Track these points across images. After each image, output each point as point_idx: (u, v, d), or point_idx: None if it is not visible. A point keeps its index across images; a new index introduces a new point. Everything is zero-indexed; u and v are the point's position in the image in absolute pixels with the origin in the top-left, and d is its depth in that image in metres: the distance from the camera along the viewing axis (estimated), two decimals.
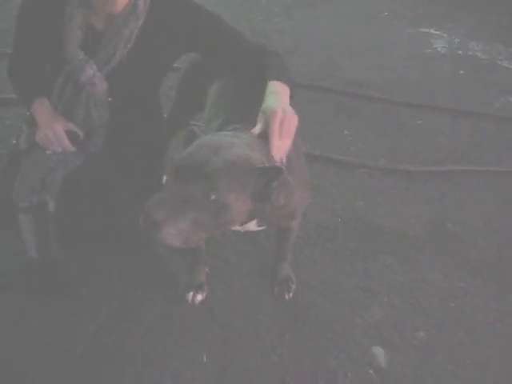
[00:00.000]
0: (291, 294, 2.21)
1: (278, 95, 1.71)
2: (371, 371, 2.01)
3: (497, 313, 2.25)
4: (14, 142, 2.19)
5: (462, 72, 3.99)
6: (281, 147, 1.62)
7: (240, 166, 1.46)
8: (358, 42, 4.23)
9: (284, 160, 1.62)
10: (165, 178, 1.77)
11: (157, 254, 2.32)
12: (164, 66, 2.07)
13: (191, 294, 2.15)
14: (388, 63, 4.00)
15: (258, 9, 4.51)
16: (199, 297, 2.15)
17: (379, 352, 2.07)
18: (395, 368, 2.03)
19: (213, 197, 1.42)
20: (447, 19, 4.68)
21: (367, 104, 3.49)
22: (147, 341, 2.02)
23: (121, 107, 2.01)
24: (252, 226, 1.75)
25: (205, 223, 1.45)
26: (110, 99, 1.98)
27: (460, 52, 4.27)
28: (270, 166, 1.50)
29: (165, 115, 2.34)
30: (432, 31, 4.51)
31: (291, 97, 1.79)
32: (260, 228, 1.83)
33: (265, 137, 1.61)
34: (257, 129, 1.63)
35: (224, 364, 1.97)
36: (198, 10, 1.96)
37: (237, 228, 1.72)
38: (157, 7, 1.92)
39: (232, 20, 4.07)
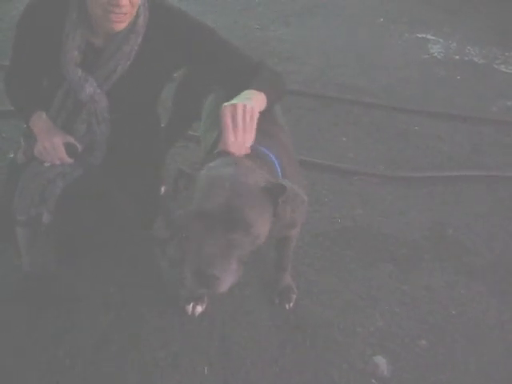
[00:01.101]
0: (292, 304, 2.20)
1: (241, 96, 1.68)
2: (374, 381, 2.00)
3: (498, 319, 2.24)
4: (12, 155, 2.18)
5: (458, 77, 3.99)
6: (240, 143, 1.59)
7: (257, 194, 1.49)
8: (355, 48, 4.23)
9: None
10: (164, 218, 1.76)
11: (156, 266, 2.31)
12: (162, 80, 2.07)
13: (191, 305, 2.13)
14: (385, 69, 4.00)
15: (255, 16, 4.51)
16: (199, 308, 2.14)
17: (381, 361, 2.06)
18: (398, 377, 2.02)
19: (250, 233, 1.47)
20: (443, 24, 4.69)
21: (365, 111, 3.49)
22: (147, 353, 2.00)
23: (121, 121, 2.01)
24: None
25: (246, 255, 1.51)
26: (110, 114, 1.98)
27: (457, 57, 4.27)
28: (273, 184, 1.51)
29: (162, 125, 2.34)
30: (428, 36, 4.51)
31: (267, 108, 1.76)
32: None
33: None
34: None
35: (225, 376, 1.96)
36: (194, 25, 1.96)
37: None
38: (155, 23, 1.92)
39: (229, 28, 4.16)
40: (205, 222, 1.45)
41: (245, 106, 1.59)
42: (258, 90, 1.74)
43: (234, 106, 1.59)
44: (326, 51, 4.13)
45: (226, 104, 1.61)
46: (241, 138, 1.58)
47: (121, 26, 1.83)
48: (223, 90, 2.01)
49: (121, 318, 2.12)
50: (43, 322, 2.08)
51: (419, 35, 4.50)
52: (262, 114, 1.68)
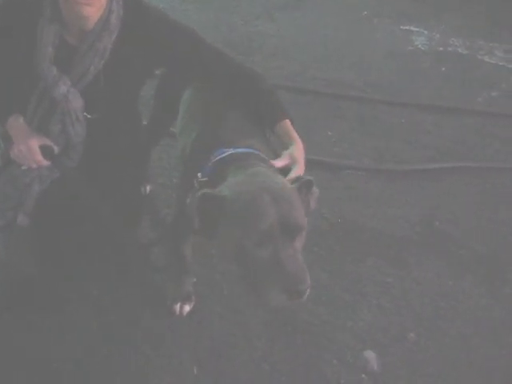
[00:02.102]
0: None
1: (294, 139, 1.84)
2: (364, 376, 1.99)
3: (488, 310, 2.25)
4: None
5: (443, 69, 3.99)
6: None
7: (296, 195, 1.54)
8: (340, 42, 4.22)
9: None
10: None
11: (142, 266, 2.29)
12: (139, 79, 2.05)
13: (179, 305, 2.12)
14: (370, 62, 4.00)
15: (239, 12, 4.49)
16: (187, 307, 2.12)
17: (371, 356, 2.05)
18: (388, 371, 2.01)
19: (303, 235, 1.53)
20: (427, 16, 4.69)
21: (350, 104, 3.48)
22: (137, 355, 1.99)
23: (98, 121, 1.98)
24: None
25: None
26: (86, 114, 1.95)
27: (441, 48, 4.27)
28: (303, 181, 1.60)
29: (144, 123, 2.32)
30: (412, 28, 4.51)
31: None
32: None
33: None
34: (278, 163, 1.72)
35: (215, 375, 1.94)
36: (170, 24, 1.95)
37: None
38: (130, 22, 1.90)
39: (213, 24, 4.15)
40: (271, 238, 1.44)
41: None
42: (285, 117, 1.89)
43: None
44: (310, 46, 4.12)
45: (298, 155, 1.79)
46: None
47: (90, 11, 1.80)
48: (205, 84, 2.00)
49: (109, 321, 2.10)
50: (30, 326, 2.05)
51: (403, 27, 4.50)
52: None
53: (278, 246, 1.44)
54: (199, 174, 1.63)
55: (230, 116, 1.86)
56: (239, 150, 1.67)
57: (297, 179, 1.62)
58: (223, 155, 1.66)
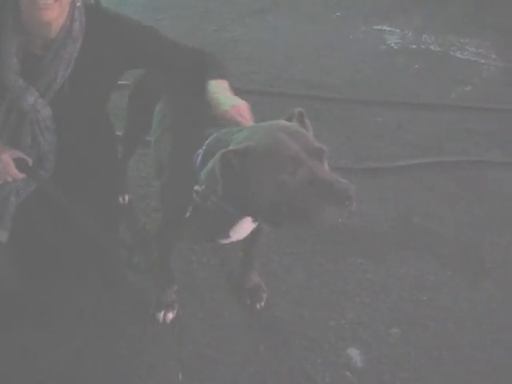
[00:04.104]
0: (263, 303, 2.20)
1: (225, 91, 1.80)
2: (348, 373, 2.01)
3: (468, 302, 2.27)
4: None
5: (416, 66, 4.02)
6: None
7: (301, 128, 1.58)
8: (313, 44, 4.24)
9: None
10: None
11: (124, 275, 2.29)
12: (106, 86, 2.06)
13: (162, 313, 2.13)
14: (344, 63, 4.02)
15: (212, 19, 4.50)
16: (170, 315, 2.13)
17: (354, 353, 2.08)
18: (372, 367, 2.03)
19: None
20: (398, 15, 4.72)
21: (326, 105, 3.49)
22: (121, 363, 2.00)
23: (68, 130, 1.99)
24: (250, 227, 1.82)
25: None
26: (54, 124, 1.96)
27: (413, 46, 4.30)
28: (298, 111, 1.63)
29: (118, 133, 2.32)
30: (385, 27, 4.54)
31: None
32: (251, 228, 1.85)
33: None
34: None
35: (200, 380, 1.96)
36: (133, 27, 1.97)
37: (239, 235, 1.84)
38: (93, 28, 1.91)
39: (186, 32, 4.15)
40: (302, 162, 1.45)
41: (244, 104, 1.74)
42: (219, 78, 1.85)
43: (237, 108, 1.72)
44: (284, 49, 4.13)
45: (227, 109, 1.72)
46: None
47: (50, 15, 1.80)
48: (174, 83, 2.02)
49: (94, 332, 2.10)
50: (15, 339, 2.05)
51: (375, 27, 4.52)
52: None
53: (312, 167, 1.45)
54: (196, 187, 1.59)
55: (201, 113, 1.87)
56: (209, 140, 1.67)
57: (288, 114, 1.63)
58: (201, 154, 1.65)
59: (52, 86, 1.91)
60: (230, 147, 1.50)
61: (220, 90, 1.80)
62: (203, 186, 1.56)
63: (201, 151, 1.65)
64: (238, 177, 1.49)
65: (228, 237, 1.80)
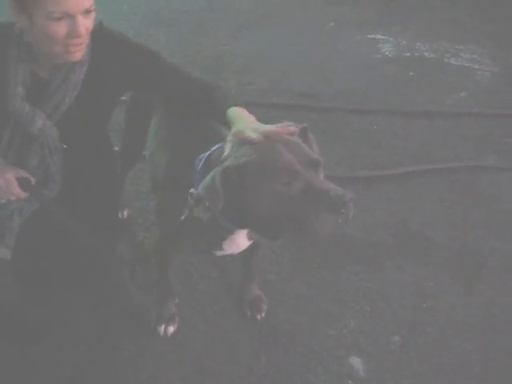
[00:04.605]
0: (263, 314, 2.21)
1: (242, 118, 1.72)
2: (350, 382, 2.02)
3: (467, 308, 2.28)
4: None
5: (411, 73, 4.04)
6: None
7: (300, 141, 1.59)
8: (307, 55, 4.26)
9: None
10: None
11: (125, 290, 2.30)
12: (110, 106, 2.07)
13: (163, 326, 2.14)
14: (338, 72, 4.04)
15: (206, 33, 4.52)
16: (171, 329, 2.14)
17: (356, 361, 2.08)
18: (374, 375, 2.05)
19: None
20: (392, 23, 4.74)
21: (321, 115, 3.51)
22: (122, 377, 2.01)
23: (73, 150, 2.00)
24: (245, 243, 1.84)
25: None
26: (62, 145, 1.97)
27: (408, 54, 4.32)
28: (301, 127, 1.65)
29: (116, 149, 2.34)
30: (378, 36, 4.56)
31: None
32: (246, 245, 1.87)
33: None
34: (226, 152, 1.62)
35: None
36: (136, 49, 1.97)
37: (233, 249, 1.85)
38: (98, 50, 1.92)
39: (180, 47, 4.17)
40: (298, 172, 1.46)
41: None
42: (237, 106, 1.79)
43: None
44: (279, 60, 4.15)
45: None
46: None
47: (79, 56, 1.82)
48: (175, 107, 2.02)
49: (94, 346, 2.11)
50: (14, 358, 2.06)
51: (369, 36, 4.54)
52: None
53: (307, 177, 1.46)
54: (192, 190, 1.62)
55: (196, 127, 1.89)
56: (216, 147, 1.69)
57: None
58: (204, 158, 1.67)
59: (59, 108, 1.91)
60: (229, 163, 1.52)
61: (241, 115, 1.74)
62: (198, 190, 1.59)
63: (203, 156, 1.68)
64: (237, 191, 1.51)
65: (221, 249, 1.82)
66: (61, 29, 1.72)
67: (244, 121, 1.68)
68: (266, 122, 1.65)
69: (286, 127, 1.59)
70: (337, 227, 2.55)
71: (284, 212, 1.48)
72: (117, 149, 2.37)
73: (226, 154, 1.59)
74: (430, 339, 2.16)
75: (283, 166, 1.47)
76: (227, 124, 1.74)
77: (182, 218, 1.67)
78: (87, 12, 1.74)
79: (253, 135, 1.56)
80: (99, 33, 1.92)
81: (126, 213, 2.60)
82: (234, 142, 1.61)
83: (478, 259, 2.50)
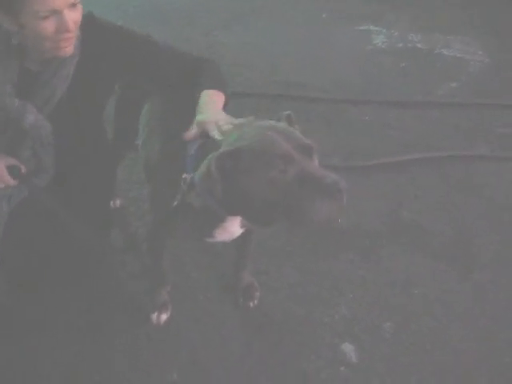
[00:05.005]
0: (256, 302, 2.22)
1: (209, 107, 1.72)
2: (343, 368, 2.02)
3: (460, 294, 2.29)
4: None
5: (403, 64, 4.05)
6: None
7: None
8: (300, 46, 4.26)
9: None
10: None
11: (117, 279, 2.30)
12: (103, 96, 2.06)
13: (156, 314, 2.14)
14: (331, 63, 4.04)
15: (197, 25, 4.51)
16: (164, 316, 2.14)
17: (349, 348, 2.09)
18: (367, 362, 2.05)
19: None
20: (384, 14, 4.75)
21: (314, 106, 3.51)
22: (116, 365, 2.01)
23: (65, 142, 1.98)
24: (238, 230, 1.83)
25: None
26: (55, 136, 1.96)
27: (400, 45, 4.33)
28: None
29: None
30: (371, 27, 4.56)
31: (226, 103, 1.81)
32: (238, 233, 1.86)
33: None
34: (191, 135, 1.66)
35: (195, 380, 1.96)
36: (128, 36, 1.95)
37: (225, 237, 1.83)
38: (89, 41, 1.90)
39: (171, 39, 4.10)
40: (292, 159, 1.46)
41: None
42: (214, 88, 1.78)
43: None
44: (271, 52, 4.15)
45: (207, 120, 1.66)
46: None
47: (70, 50, 1.81)
48: (171, 91, 2.01)
49: (88, 335, 2.11)
50: (7, 355, 2.04)
51: (362, 27, 4.55)
52: None
53: (302, 163, 1.46)
54: (185, 175, 1.62)
55: (189, 113, 1.88)
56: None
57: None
58: (197, 143, 1.67)
59: (51, 101, 1.90)
60: (222, 149, 1.51)
61: (211, 101, 1.76)
62: (191, 175, 1.60)
63: (195, 143, 1.67)
64: (231, 177, 1.50)
65: (213, 237, 1.81)
66: (49, 26, 1.71)
67: (210, 111, 1.69)
68: (257, 113, 1.64)
69: (298, 134, 1.56)
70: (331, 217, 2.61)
71: (279, 199, 1.47)
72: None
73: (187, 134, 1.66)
74: (422, 326, 2.17)
75: (278, 152, 1.46)
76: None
77: (175, 203, 1.66)
78: (73, 6, 1.73)
79: (215, 136, 1.58)
80: (89, 24, 1.90)
81: (118, 202, 2.59)
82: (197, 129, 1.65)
83: (471, 247, 2.51)
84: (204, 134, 1.63)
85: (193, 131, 1.66)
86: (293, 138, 1.51)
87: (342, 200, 1.45)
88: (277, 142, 1.48)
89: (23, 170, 1.96)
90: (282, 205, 1.47)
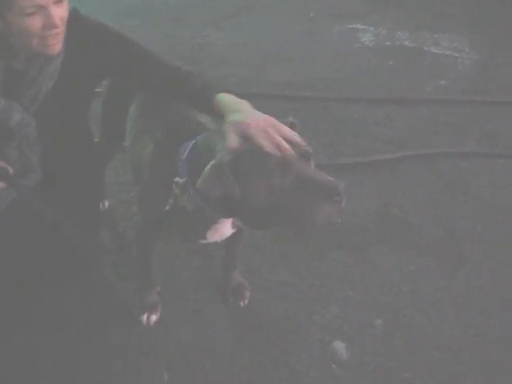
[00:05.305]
0: (246, 301, 2.22)
1: (238, 105, 1.65)
2: (334, 366, 2.03)
3: (448, 290, 2.30)
4: None
5: (391, 62, 4.06)
6: None
7: None
8: (288, 45, 4.27)
9: None
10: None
11: (107, 280, 2.29)
12: (87, 95, 2.05)
13: (145, 315, 2.13)
14: (319, 62, 4.05)
15: (186, 25, 4.52)
16: (154, 317, 2.14)
17: (340, 346, 2.09)
18: (357, 359, 2.05)
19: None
20: (372, 13, 4.77)
21: (302, 105, 3.51)
22: (107, 366, 2.00)
23: (51, 140, 1.98)
24: (229, 231, 1.83)
25: None
26: (40, 135, 1.95)
27: (388, 43, 4.34)
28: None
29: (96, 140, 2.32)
30: (358, 26, 4.58)
31: None
32: (229, 233, 1.86)
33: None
34: (233, 143, 1.53)
35: (185, 381, 1.96)
36: (112, 36, 1.94)
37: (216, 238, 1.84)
38: (74, 38, 1.89)
39: (161, 38, 4.16)
40: (291, 163, 1.46)
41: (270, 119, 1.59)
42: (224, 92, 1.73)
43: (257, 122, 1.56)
44: (260, 51, 4.16)
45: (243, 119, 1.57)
46: None
47: (58, 48, 1.80)
48: (152, 94, 2.01)
49: (79, 336, 2.10)
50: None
51: (349, 26, 4.56)
52: None
53: (300, 168, 1.47)
54: (177, 179, 1.62)
55: (177, 115, 1.88)
56: (202, 136, 1.68)
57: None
58: (189, 147, 1.66)
59: (37, 100, 1.88)
60: (222, 157, 1.50)
61: (233, 101, 1.68)
62: (184, 179, 1.61)
63: (187, 147, 1.66)
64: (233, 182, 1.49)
65: (205, 238, 1.81)
66: (36, 22, 1.70)
67: (240, 107, 1.63)
68: None
69: (299, 140, 1.54)
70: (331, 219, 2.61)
71: (279, 204, 1.48)
72: (96, 140, 2.36)
73: (230, 144, 1.53)
74: (412, 322, 2.17)
75: (278, 159, 1.47)
76: (215, 110, 1.68)
77: (167, 207, 1.66)
78: (59, 1, 1.72)
79: (266, 147, 1.48)
80: (74, 21, 1.90)
81: (106, 204, 2.58)
82: (237, 134, 1.53)
83: (460, 244, 2.52)
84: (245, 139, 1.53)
85: (235, 139, 1.53)
86: (291, 142, 1.51)
87: (341, 202, 1.46)
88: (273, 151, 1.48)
89: (11, 171, 1.95)
90: (282, 210, 1.48)
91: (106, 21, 2.04)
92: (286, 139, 1.50)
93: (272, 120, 1.56)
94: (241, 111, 1.60)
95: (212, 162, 1.51)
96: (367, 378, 1.99)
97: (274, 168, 1.46)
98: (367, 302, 2.26)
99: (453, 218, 2.66)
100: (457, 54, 4.22)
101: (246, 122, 1.53)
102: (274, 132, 1.50)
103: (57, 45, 1.79)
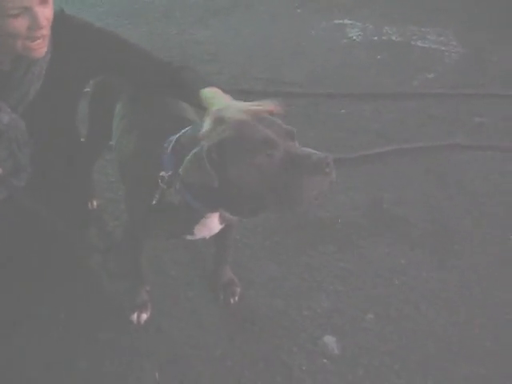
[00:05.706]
0: (237, 298, 2.21)
1: (219, 98, 1.67)
2: (325, 360, 2.02)
3: (440, 283, 2.30)
4: None
5: (379, 57, 4.06)
6: None
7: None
8: (275, 41, 4.26)
9: None
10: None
11: (96, 280, 2.28)
12: (75, 94, 2.04)
13: (136, 314, 2.13)
14: (307, 58, 4.04)
15: (173, 23, 4.49)
16: (144, 316, 2.13)
17: (331, 340, 2.09)
18: (348, 353, 2.05)
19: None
20: (359, 7, 4.76)
21: (290, 101, 3.48)
22: (97, 366, 1.99)
23: (39, 140, 1.96)
24: (217, 226, 1.82)
25: None
26: (29, 135, 1.93)
27: (375, 38, 4.34)
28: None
29: (82, 139, 2.31)
30: (346, 21, 4.57)
31: None
32: (218, 229, 1.86)
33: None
34: (205, 128, 1.56)
35: (178, 379, 1.95)
36: (99, 35, 1.94)
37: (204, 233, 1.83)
38: (60, 38, 1.88)
39: (147, 36, 4.14)
40: (276, 142, 1.46)
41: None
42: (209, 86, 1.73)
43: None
44: (247, 48, 4.14)
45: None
46: None
47: (43, 52, 1.79)
48: (143, 91, 1.99)
49: (69, 335, 2.09)
50: None
51: (337, 21, 4.55)
52: None
53: (286, 146, 1.47)
54: (162, 173, 1.62)
55: (161, 111, 1.88)
56: (186, 129, 1.68)
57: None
58: (174, 141, 1.66)
59: (24, 100, 1.88)
60: (207, 143, 1.50)
61: (217, 96, 1.69)
62: (170, 173, 1.60)
63: (171, 141, 1.66)
64: (217, 170, 1.49)
65: (192, 234, 1.80)
66: (21, 24, 1.69)
67: (222, 100, 1.64)
68: None
69: (264, 106, 1.57)
70: (308, 209, 2.61)
71: (268, 184, 1.47)
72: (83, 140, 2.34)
73: (203, 130, 1.56)
74: (403, 315, 2.18)
75: (262, 138, 1.46)
76: (200, 104, 1.69)
77: (154, 202, 1.65)
78: (44, 1, 1.71)
79: (236, 115, 1.52)
80: (60, 21, 1.88)
81: (95, 203, 2.57)
82: (212, 120, 1.56)
83: (451, 236, 2.52)
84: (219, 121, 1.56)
85: (207, 127, 1.57)
86: (272, 124, 1.52)
87: (331, 173, 1.46)
88: (258, 128, 1.49)
89: (0, 171, 1.94)
90: (271, 190, 1.48)
91: (92, 20, 2.03)
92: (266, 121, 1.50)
93: (250, 104, 1.57)
94: (222, 103, 1.61)
95: (193, 151, 1.51)
96: (359, 372, 1.99)
97: (260, 147, 1.45)
98: (358, 295, 2.26)
99: (444, 211, 2.66)
100: (444, 48, 4.21)
101: (221, 108, 1.56)
102: (250, 111, 1.53)
103: (43, 48, 1.78)
